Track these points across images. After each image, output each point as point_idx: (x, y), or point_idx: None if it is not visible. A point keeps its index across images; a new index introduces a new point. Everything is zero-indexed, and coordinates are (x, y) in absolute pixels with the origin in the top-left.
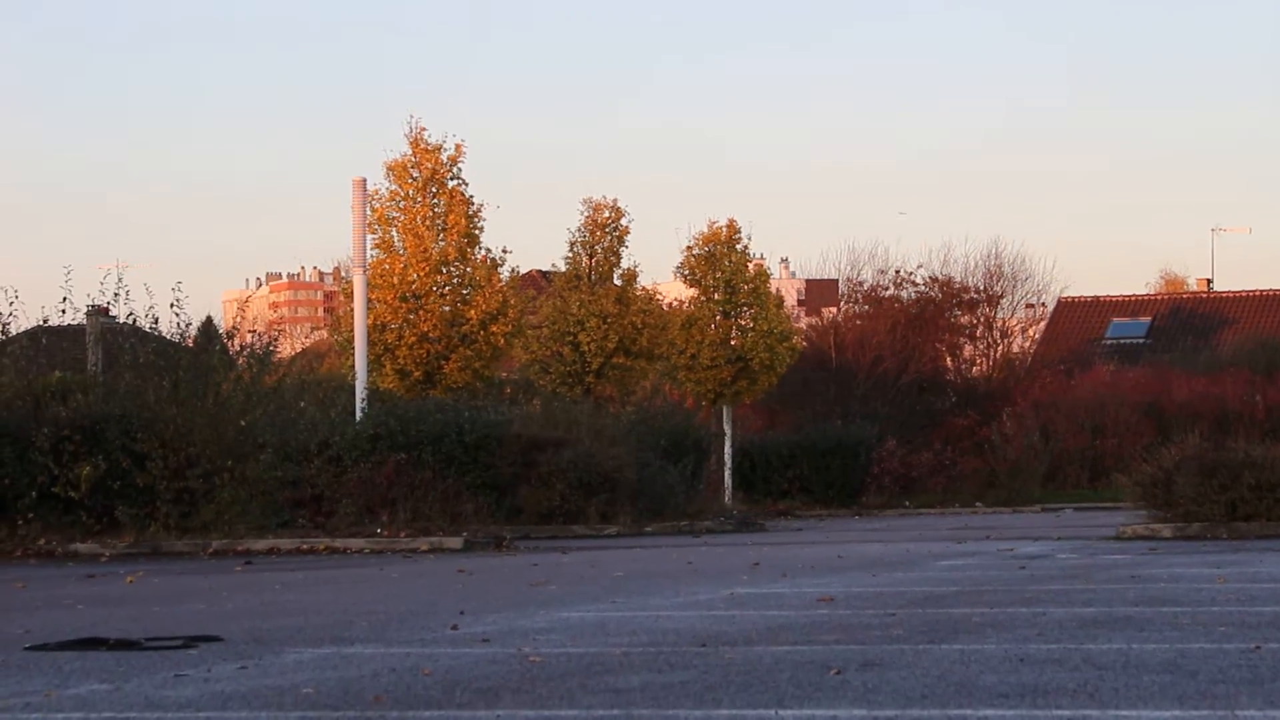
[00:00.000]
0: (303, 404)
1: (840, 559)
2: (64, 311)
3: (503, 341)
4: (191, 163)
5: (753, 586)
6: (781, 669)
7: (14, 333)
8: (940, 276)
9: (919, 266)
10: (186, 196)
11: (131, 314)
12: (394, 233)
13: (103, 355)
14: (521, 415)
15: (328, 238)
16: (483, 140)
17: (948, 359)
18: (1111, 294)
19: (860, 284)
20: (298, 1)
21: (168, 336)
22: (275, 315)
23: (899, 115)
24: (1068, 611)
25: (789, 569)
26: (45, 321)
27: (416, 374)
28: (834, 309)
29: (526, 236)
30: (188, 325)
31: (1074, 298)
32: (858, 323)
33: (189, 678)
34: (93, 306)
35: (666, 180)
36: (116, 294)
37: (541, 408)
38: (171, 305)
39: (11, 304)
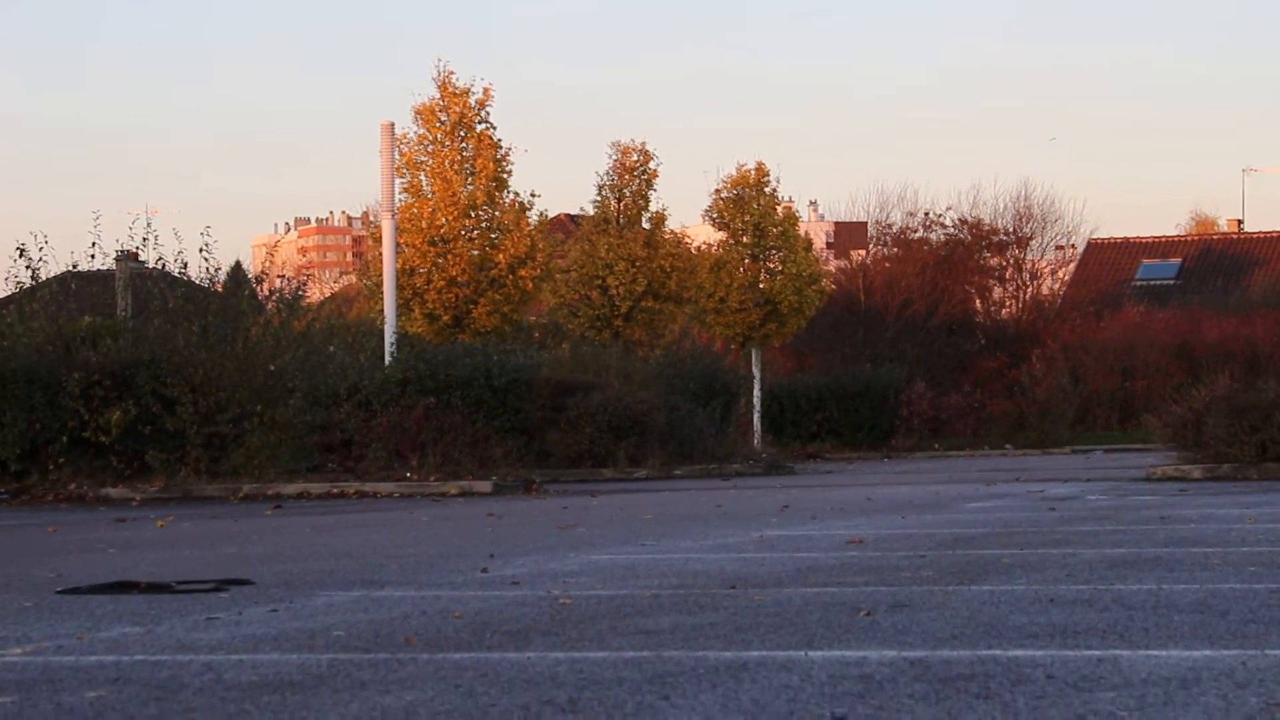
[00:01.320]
0: (332, 348)
1: (869, 501)
2: (93, 257)
3: (531, 285)
4: (220, 107)
5: (782, 529)
6: (811, 610)
7: (44, 278)
8: (969, 218)
9: (948, 208)
10: (215, 141)
11: (160, 259)
12: (422, 177)
13: (132, 300)
14: (550, 359)
15: (356, 182)
16: (511, 83)
17: (977, 301)
18: (1141, 235)
19: (889, 226)
20: None
21: (197, 281)
22: (304, 260)
23: (928, 52)
24: (1097, 552)
25: (818, 511)
26: (75, 267)
27: (445, 318)
28: (863, 251)
29: (555, 180)
30: (216, 270)
31: (1104, 239)
32: (887, 265)
33: (220, 621)
34: (122, 252)
35: (696, 122)
36: (145, 239)
37: (570, 351)
38: (200, 250)
39: (41, 249)
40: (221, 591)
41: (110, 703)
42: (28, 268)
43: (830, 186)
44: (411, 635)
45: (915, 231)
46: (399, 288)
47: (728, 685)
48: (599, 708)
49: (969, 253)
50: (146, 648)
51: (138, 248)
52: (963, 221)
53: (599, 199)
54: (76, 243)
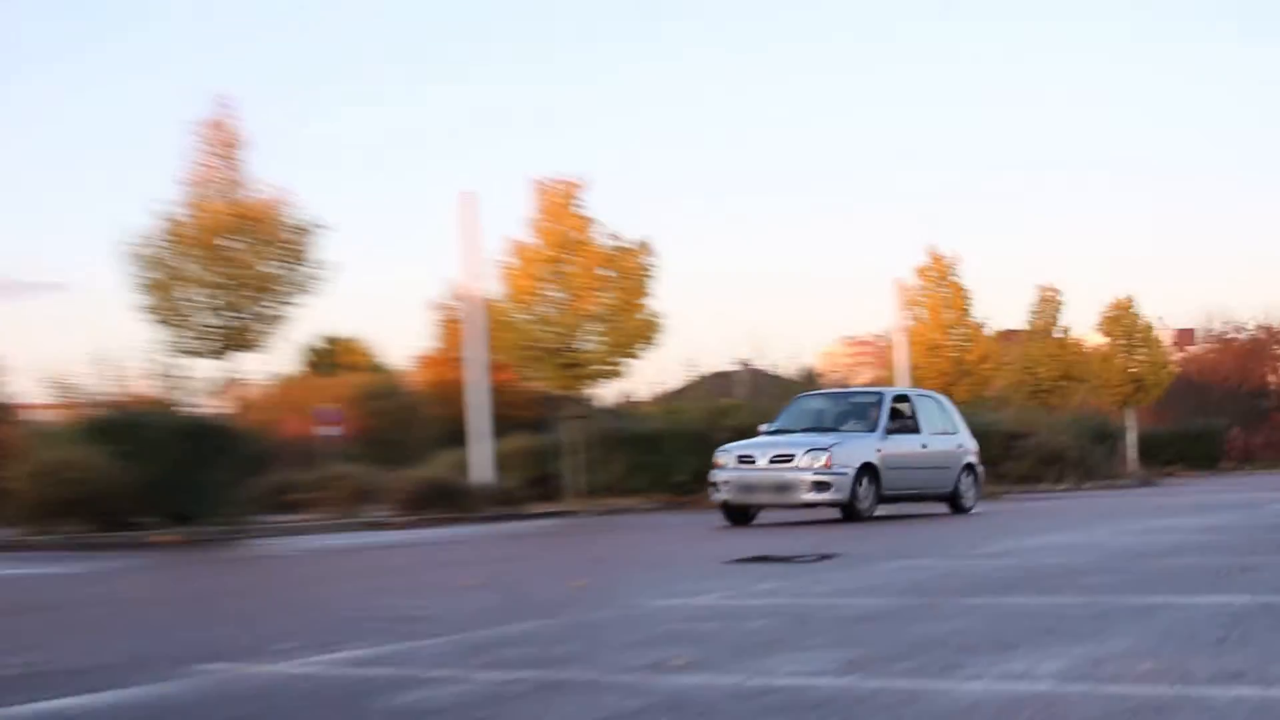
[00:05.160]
0: None
1: (1212, 503)
2: (725, 363)
3: (989, 374)
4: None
5: (1157, 520)
6: (1189, 572)
7: (699, 376)
8: (1265, 324)
9: (1250, 318)
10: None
11: (763, 362)
12: (921, 310)
13: (748, 388)
14: (1003, 417)
15: (877, 311)
16: (974, 243)
17: (1270, 376)
18: None
19: (1210, 331)
20: None
21: (784, 376)
22: (849, 362)
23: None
24: None
25: (1178, 510)
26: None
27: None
28: (1194, 347)
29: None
30: (800, 369)
31: None
32: (1211, 355)
33: (824, 578)
34: (740, 360)
35: (1091, 252)
36: (755, 348)
37: (1015, 412)
38: (789, 357)
39: (699, 359)
40: (821, 561)
41: (769, 626)
42: (691, 369)
43: (1169, 302)
44: (939, 587)
45: (1227, 333)
46: (915, 376)
47: (1145, 618)
48: (1058, 628)
49: (1265, 346)
50: (785, 595)
51: (750, 357)
52: (1260, 326)
53: (1030, 319)
54: (711, 350)
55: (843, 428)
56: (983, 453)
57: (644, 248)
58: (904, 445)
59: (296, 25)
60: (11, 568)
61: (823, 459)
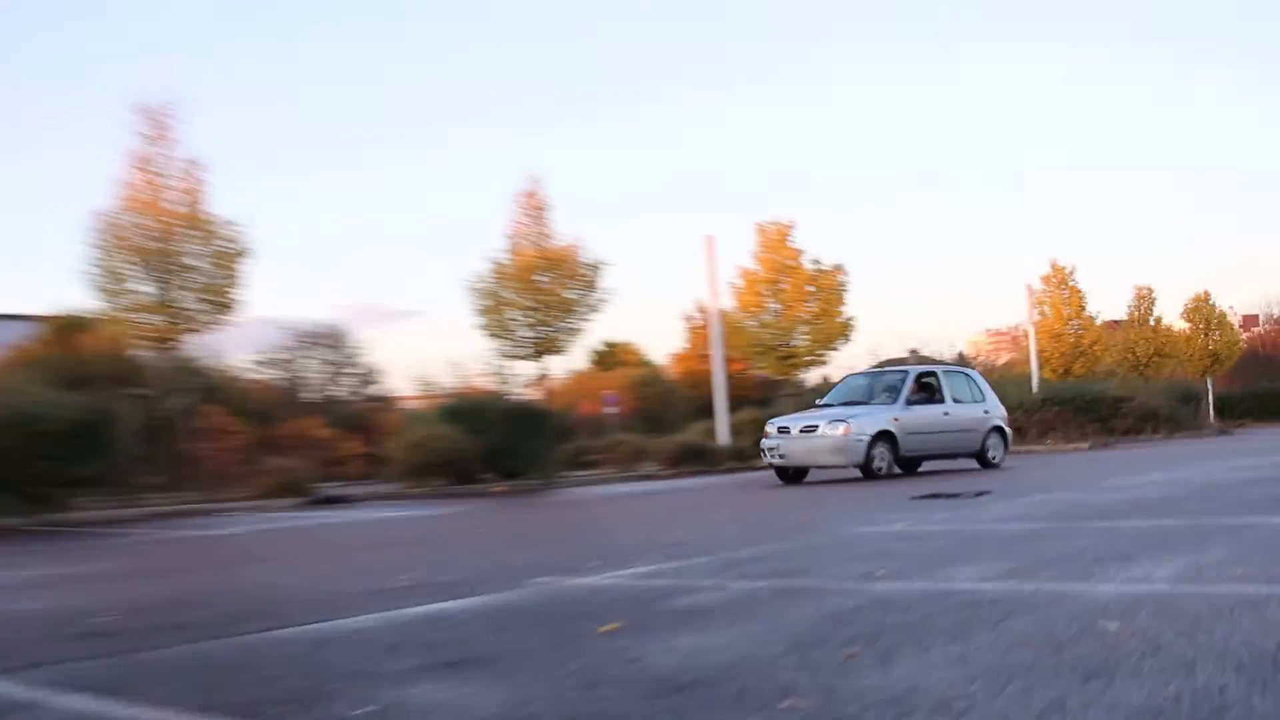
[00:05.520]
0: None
1: (1274, 447)
2: (899, 350)
3: (1098, 354)
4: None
5: (1237, 460)
6: (1267, 498)
7: (882, 361)
8: None
9: None
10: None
11: (927, 350)
12: (1046, 309)
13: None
14: (1110, 385)
15: (1012, 307)
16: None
17: None
18: None
19: (1271, 315)
20: None
21: (943, 361)
22: (989, 347)
23: None
24: None
25: (1253, 452)
26: (889, 359)
27: (1060, 369)
28: (1258, 328)
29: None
30: (954, 355)
31: None
32: (1272, 334)
33: (984, 509)
34: (909, 348)
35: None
36: (920, 339)
37: (1119, 381)
38: (946, 345)
39: (879, 349)
40: (979, 497)
41: (946, 546)
42: (874, 356)
43: (1237, 292)
44: (1073, 514)
45: None
46: (1042, 358)
47: (1236, 535)
48: (1167, 543)
49: None
50: (955, 522)
51: (917, 346)
52: None
53: (1127, 313)
54: (882, 340)
55: (874, 400)
56: (1095, 413)
57: (838, 269)
58: (924, 414)
59: (591, 114)
60: (393, 511)
61: (840, 429)
